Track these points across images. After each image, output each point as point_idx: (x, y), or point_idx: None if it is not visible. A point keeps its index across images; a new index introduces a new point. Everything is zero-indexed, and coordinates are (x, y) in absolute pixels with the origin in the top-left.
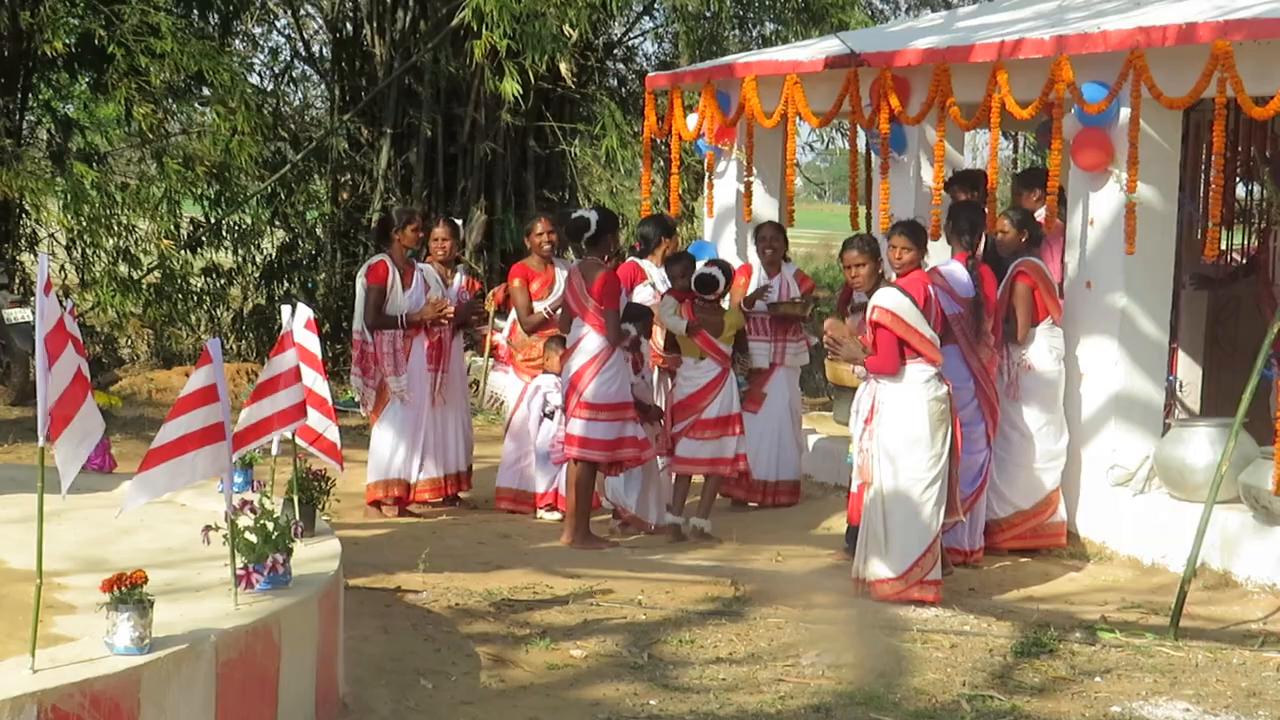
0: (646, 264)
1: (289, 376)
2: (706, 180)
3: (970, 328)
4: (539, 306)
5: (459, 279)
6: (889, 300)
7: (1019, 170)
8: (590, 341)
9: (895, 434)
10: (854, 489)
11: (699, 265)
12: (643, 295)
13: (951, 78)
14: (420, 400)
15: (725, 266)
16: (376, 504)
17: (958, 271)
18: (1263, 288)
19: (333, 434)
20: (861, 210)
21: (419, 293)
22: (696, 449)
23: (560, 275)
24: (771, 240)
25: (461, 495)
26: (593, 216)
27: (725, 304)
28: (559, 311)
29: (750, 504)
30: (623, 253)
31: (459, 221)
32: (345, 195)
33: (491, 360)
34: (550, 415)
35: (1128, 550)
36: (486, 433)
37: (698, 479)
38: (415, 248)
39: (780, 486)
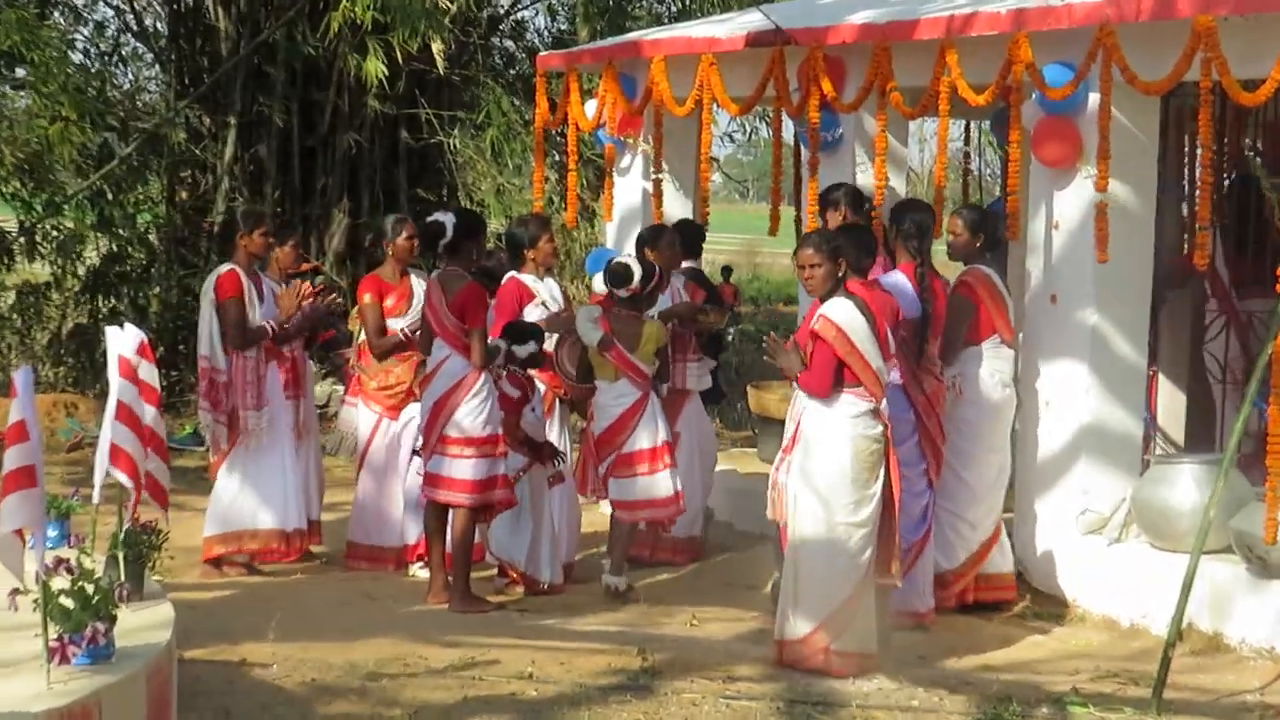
0: (530, 279)
1: (122, 412)
2: (608, 177)
3: (913, 351)
4: (394, 326)
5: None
6: (839, 314)
7: (967, 169)
8: (453, 365)
9: (815, 469)
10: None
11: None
12: (533, 317)
13: (893, 58)
14: (281, 435)
15: (648, 263)
16: (216, 561)
17: (902, 284)
18: (1219, 301)
19: (164, 475)
20: (789, 212)
21: (271, 310)
22: (626, 489)
23: (419, 289)
24: (672, 245)
25: (314, 549)
26: (448, 220)
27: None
28: (417, 333)
29: (642, 560)
30: (500, 264)
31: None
32: (184, 195)
33: (344, 395)
34: (418, 453)
35: (1102, 609)
36: (348, 474)
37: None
38: (264, 255)
39: (676, 544)
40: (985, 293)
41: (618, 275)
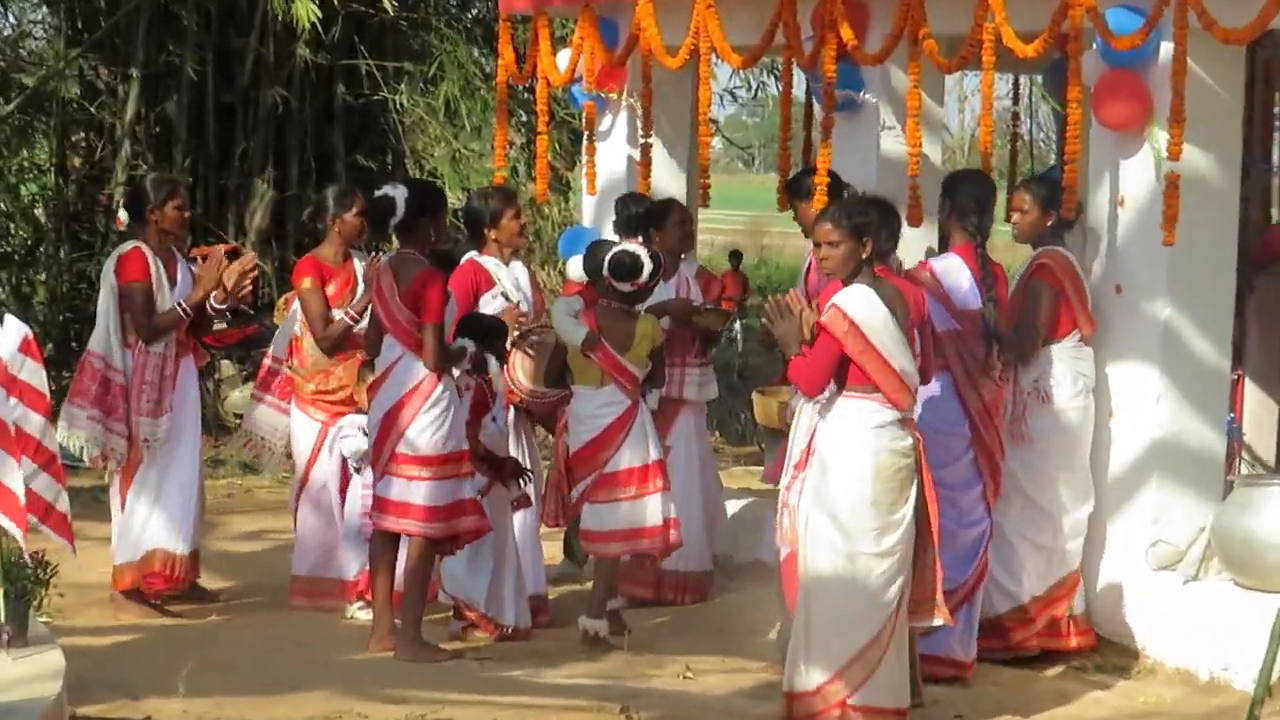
0: (491, 262)
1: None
2: (586, 142)
3: (971, 351)
4: (339, 315)
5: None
6: (856, 304)
7: (1016, 132)
8: (406, 368)
9: (831, 490)
10: (783, 557)
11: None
12: (492, 308)
13: (926, 2)
14: (191, 445)
15: (655, 252)
16: (131, 594)
17: (956, 271)
18: None
19: (63, 503)
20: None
21: (188, 292)
22: (605, 517)
23: (360, 273)
24: (682, 224)
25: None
26: (399, 194)
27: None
28: (361, 327)
29: (642, 600)
30: (457, 245)
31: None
32: (77, 162)
33: (253, 390)
34: (359, 470)
35: (1176, 659)
36: (277, 496)
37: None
38: (178, 232)
39: (685, 580)
40: (1068, 279)
41: (623, 266)
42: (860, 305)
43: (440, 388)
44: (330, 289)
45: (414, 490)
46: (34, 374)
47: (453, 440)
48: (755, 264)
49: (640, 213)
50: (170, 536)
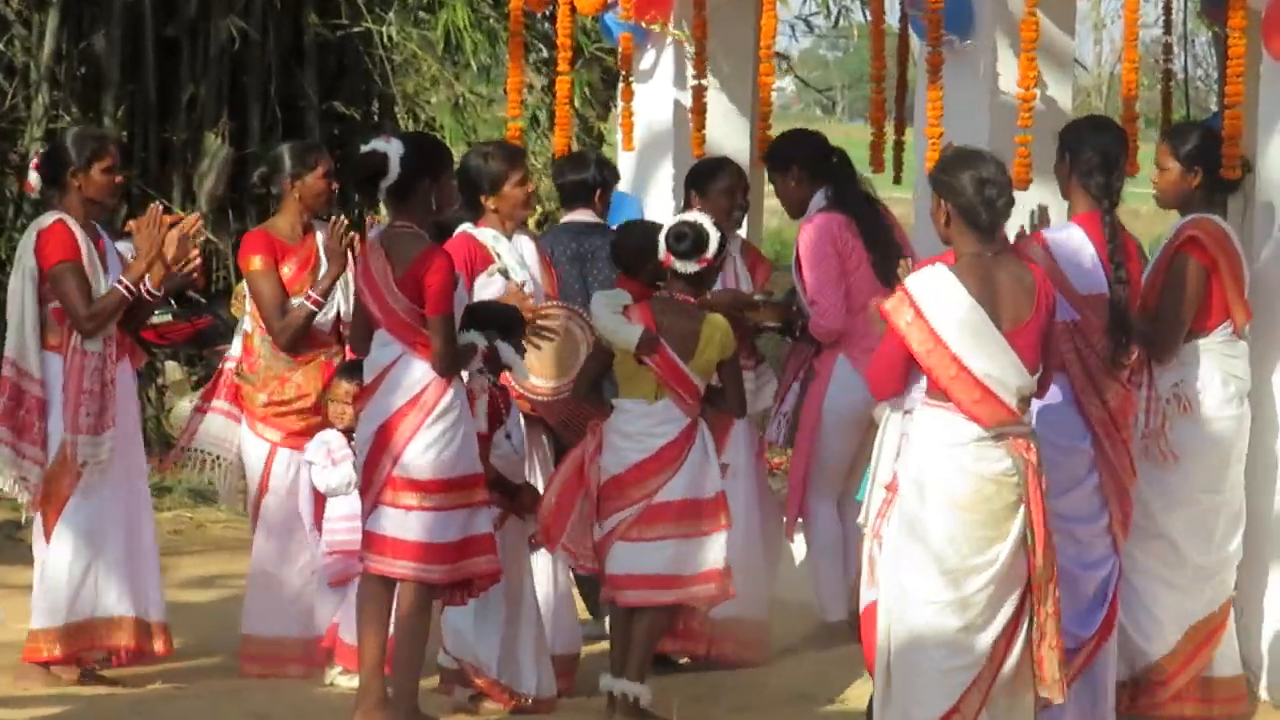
0: (488, 234)
1: None
2: (622, 85)
3: (1092, 346)
4: (297, 302)
5: None
6: (926, 289)
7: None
8: (405, 372)
9: (915, 520)
10: (864, 604)
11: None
12: (490, 290)
13: None
14: (134, 471)
15: (718, 225)
16: (45, 664)
17: (1076, 243)
18: None
19: None
20: (893, 134)
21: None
22: (643, 558)
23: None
24: (731, 192)
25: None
26: (392, 150)
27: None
28: (334, 314)
29: (679, 658)
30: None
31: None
32: None
33: (194, 398)
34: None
35: None
36: (235, 533)
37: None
38: (106, 200)
39: (738, 631)
40: (1222, 255)
41: (685, 239)
42: (933, 291)
43: (449, 395)
44: (286, 270)
45: (412, 523)
46: None
47: (464, 462)
48: None
49: (578, 180)
50: (124, 597)
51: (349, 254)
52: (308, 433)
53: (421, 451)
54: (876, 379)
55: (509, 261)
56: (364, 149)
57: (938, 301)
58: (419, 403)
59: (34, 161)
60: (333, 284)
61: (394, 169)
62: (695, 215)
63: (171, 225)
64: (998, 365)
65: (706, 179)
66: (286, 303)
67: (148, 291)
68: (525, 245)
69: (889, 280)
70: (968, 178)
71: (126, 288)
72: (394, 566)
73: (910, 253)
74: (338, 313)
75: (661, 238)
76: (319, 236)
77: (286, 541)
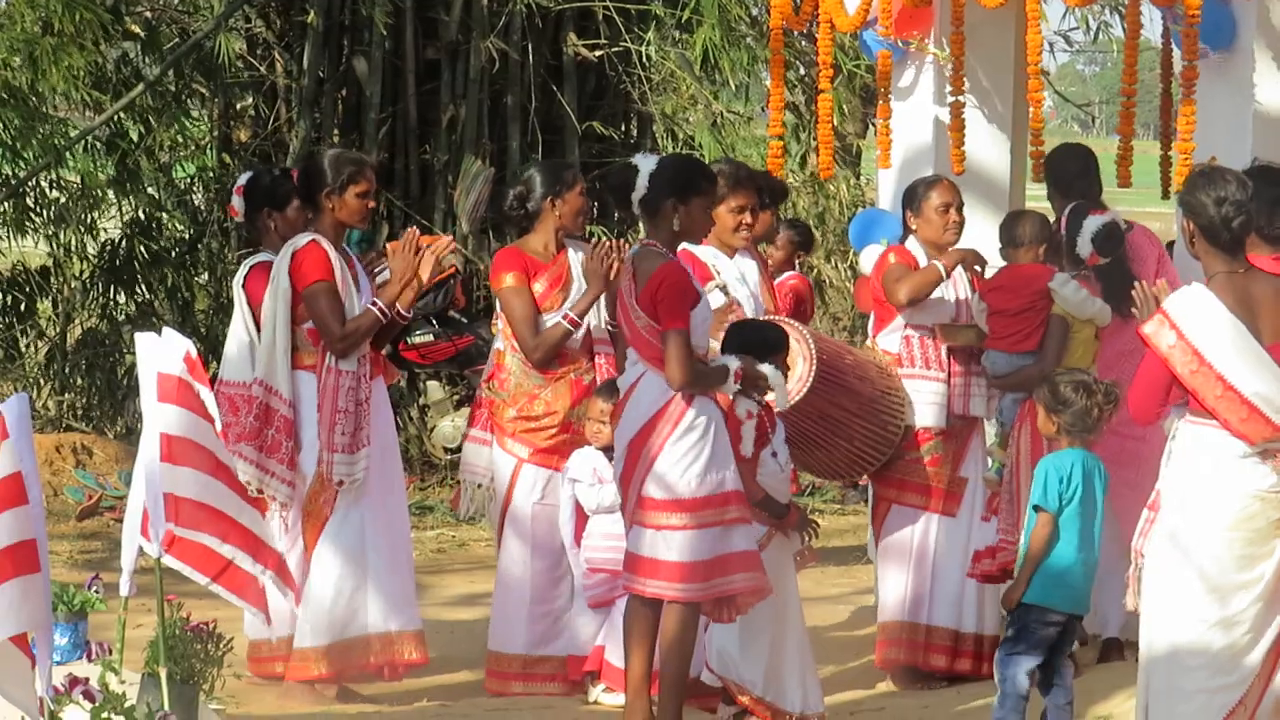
0: (708, 252)
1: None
2: (880, 102)
3: None
4: (550, 320)
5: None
6: (1187, 310)
7: None
8: (650, 388)
9: (1179, 537)
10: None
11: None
12: (711, 305)
13: None
14: (398, 485)
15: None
16: (311, 682)
17: None
18: None
19: (245, 559)
20: (1149, 147)
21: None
22: None
23: (577, 266)
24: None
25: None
26: (645, 165)
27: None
28: (597, 327)
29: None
30: None
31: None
32: (243, 135)
33: (455, 418)
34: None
35: None
36: (474, 554)
37: None
38: (359, 225)
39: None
40: None
41: (1113, 240)
42: (1194, 311)
43: (693, 412)
44: (538, 286)
45: (667, 542)
46: (206, 400)
47: (713, 476)
48: None
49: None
50: (388, 614)
51: (609, 275)
52: (556, 450)
53: (669, 468)
54: (1138, 403)
55: (728, 277)
56: (619, 165)
57: (1199, 321)
58: (662, 419)
59: (237, 186)
60: (590, 304)
61: (643, 184)
62: (1112, 214)
63: (426, 248)
64: (1264, 382)
65: (919, 197)
66: (539, 319)
67: (399, 314)
68: (747, 264)
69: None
70: (1207, 197)
71: (381, 310)
72: (650, 586)
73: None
74: (588, 329)
75: (1089, 237)
76: (571, 254)
77: (531, 555)
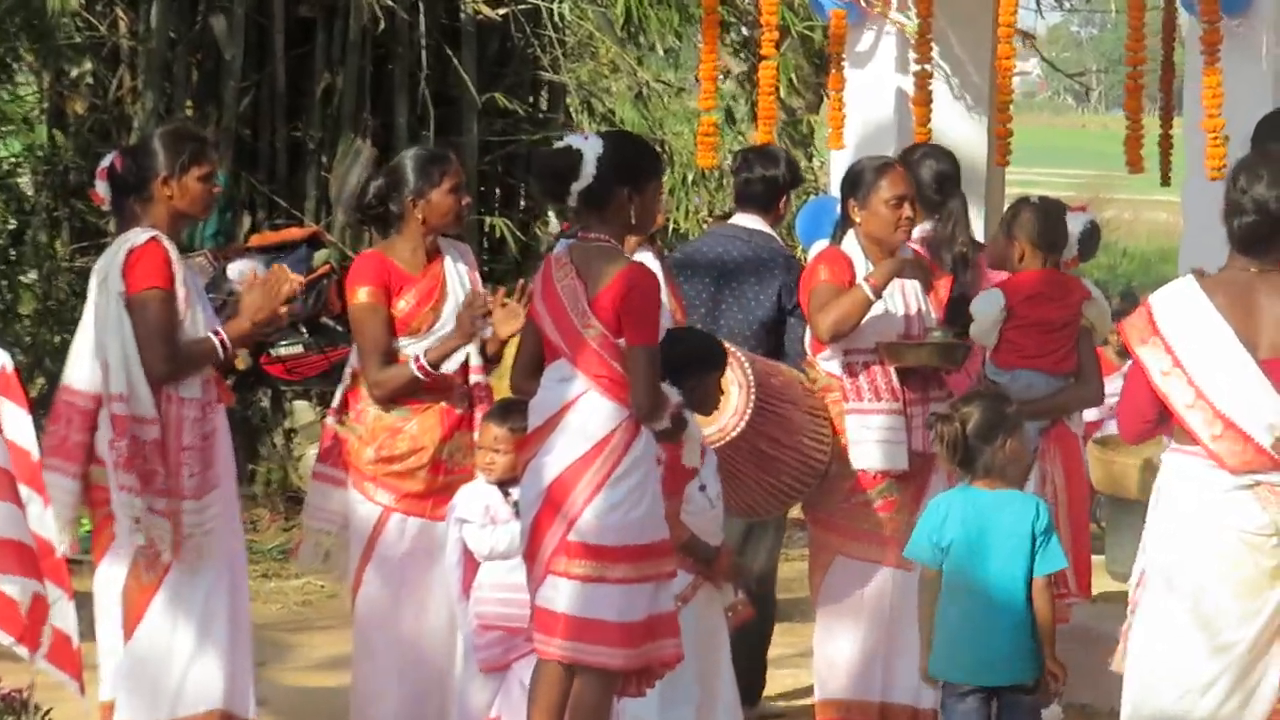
0: (646, 256)
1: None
2: (833, 71)
3: None
4: (410, 350)
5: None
6: (1168, 307)
7: None
8: (590, 412)
9: (1168, 581)
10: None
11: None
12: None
13: None
14: (236, 533)
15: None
16: None
17: None
18: None
19: (67, 618)
20: (1154, 125)
21: (214, 317)
22: None
23: (455, 276)
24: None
25: None
26: (589, 148)
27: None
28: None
29: None
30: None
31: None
32: (78, 107)
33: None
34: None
35: None
36: (344, 607)
37: None
38: (200, 215)
39: None
40: None
41: (1093, 240)
42: (1174, 305)
43: (642, 443)
44: (403, 303)
45: (596, 599)
46: (15, 423)
47: (654, 524)
48: (1127, 266)
49: (768, 178)
50: (231, 690)
51: (473, 335)
52: (429, 495)
53: (608, 510)
54: (1124, 418)
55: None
56: (557, 145)
57: (1178, 316)
58: (604, 451)
59: (101, 168)
60: (448, 355)
61: (589, 171)
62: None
63: (309, 243)
64: (1243, 393)
65: (864, 185)
66: (393, 347)
67: (234, 354)
68: (647, 260)
69: None
70: (1234, 183)
71: (222, 342)
72: (573, 650)
73: None
74: (466, 358)
75: (1074, 238)
76: (448, 262)
77: (395, 616)
